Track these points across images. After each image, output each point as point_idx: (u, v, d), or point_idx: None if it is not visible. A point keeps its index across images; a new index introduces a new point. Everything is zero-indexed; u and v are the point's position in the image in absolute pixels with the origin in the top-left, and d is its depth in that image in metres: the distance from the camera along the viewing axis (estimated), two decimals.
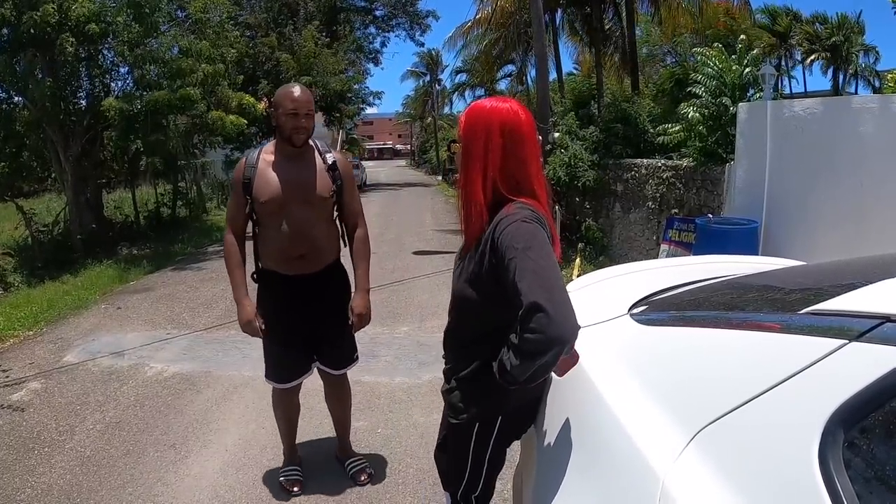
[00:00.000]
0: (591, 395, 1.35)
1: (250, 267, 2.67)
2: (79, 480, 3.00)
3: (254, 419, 3.58)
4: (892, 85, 7.35)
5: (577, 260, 7.09)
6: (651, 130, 7.56)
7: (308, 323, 2.68)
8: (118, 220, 12.37)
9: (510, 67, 23.48)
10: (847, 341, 0.86)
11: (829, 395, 0.83)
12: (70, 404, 3.95)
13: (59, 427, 3.62)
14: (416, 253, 9.07)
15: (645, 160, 6.97)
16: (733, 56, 5.63)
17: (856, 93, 25.96)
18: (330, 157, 2.61)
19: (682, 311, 1.54)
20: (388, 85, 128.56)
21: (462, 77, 30.82)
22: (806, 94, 23.10)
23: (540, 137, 6.13)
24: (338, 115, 23.94)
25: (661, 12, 14.23)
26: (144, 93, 9.57)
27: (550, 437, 1.53)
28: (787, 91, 23.23)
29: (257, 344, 2.79)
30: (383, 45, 28.96)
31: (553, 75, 15.28)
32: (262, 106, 12.05)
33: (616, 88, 12.17)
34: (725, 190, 5.20)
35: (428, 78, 43.91)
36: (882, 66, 27.85)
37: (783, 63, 26.98)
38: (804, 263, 2.02)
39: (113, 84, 10.46)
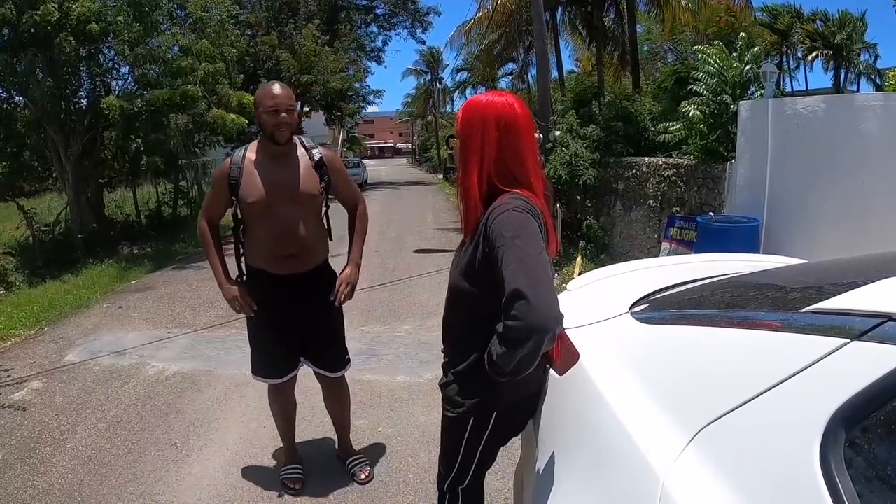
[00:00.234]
0: (592, 394, 1.34)
1: (233, 269, 2.68)
2: (80, 480, 3.01)
3: (255, 418, 3.58)
4: (893, 83, 7.34)
5: (578, 258, 7.08)
6: (652, 129, 7.55)
7: (297, 322, 2.68)
8: (119, 219, 12.40)
9: (511, 66, 23.50)
10: (848, 340, 0.86)
11: (831, 395, 0.82)
12: (71, 403, 3.95)
13: (60, 426, 3.63)
14: (417, 251, 9.07)
15: (646, 158, 6.96)
16: (734, 54, 5.62)
17: (857, 91, 25.94)
18: (316, 154, 2.60)
19: (683, 310, 1.54)
20: (390, 83, 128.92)
21: (463, 75, 30.87)
22: (807, 92, 23.08)
23: (541, 135, 6.11)
24: (338, 113, 23.94)
25: (662, 10, 14.21)
26: (145, 92, 9.58)
27: (550, 436, 1.53)
28: (788, 89, 23.21)
29: None
30: (385, 43, 28.97)
31: (554, 73, 15.28)
32: None
33: (617, 86, 12.17)
34: (727, 188, 5.19)
35: (429, 76, 43.93)
36: (882, 64, 27.83)
37: (784, 61, 26.95)
38: (805, 262, 2.02)
39: (114, 83, 10.48)
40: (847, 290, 1.02)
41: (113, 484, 2.95)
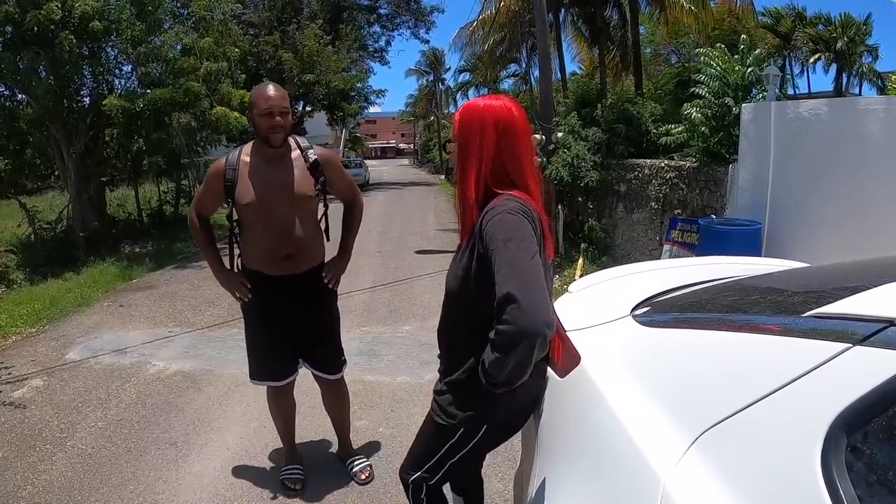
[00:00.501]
0: (593, 397, 1.34)
1: (233, 267, 2.69)
2: (80, 478, 3.01)
3: (255, 418, 3.58)
4: (895, 86, 7.33)
5: (580, 260, 7.08)
6: (654, 131, 7.55)
7: (294, 324, 2.67)
8: (121, 217, 12.41)
9: (514, 67, 23.49)
10: (850, 345, 0.86)
11: (832, 399, 0.82)
12: (72, 402, 3.96)
13: (60, 424, 3.63)
14: (418, 252, 9.07)
15: (648, 160, 6.96)
16: (736, 56, 5.62)
17: (859, 94, 25.90)
18: (312, 155, 2.58)
19: (685, 313, 1.53)
20: (392, 84, 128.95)
21: (465, 76, 30.86)
22: (810, 95, 23.04)
23: (543, 137, 6.10)
24: (340, 113, 23.93)
25: (665, 13, 14.22)
26: (147, 91, 9.59)
27: (551, 438, 1.53)
28: (790, 92, 23.17)
29: None
30: (388, 43, 28.98)
31: (557, 75, 15.28)
32: None
33: (619, 88, 12.17)
34: (728, 191, 5.19)
35: (431, 77, 43.94)
36: (884, 67, 27.79)
37: (787, 64, 26.92)
38: (807, 265, 2.01)
39: (116, 82, 10.48)
40: (849, 295, 1.02)
41: (113, 482, 2.95)
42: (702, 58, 5.84)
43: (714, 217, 4.90)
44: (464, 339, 1.58)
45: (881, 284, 1.02)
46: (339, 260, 2.79)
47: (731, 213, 5.07)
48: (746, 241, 4.40)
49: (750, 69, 5.43)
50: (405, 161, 63.99)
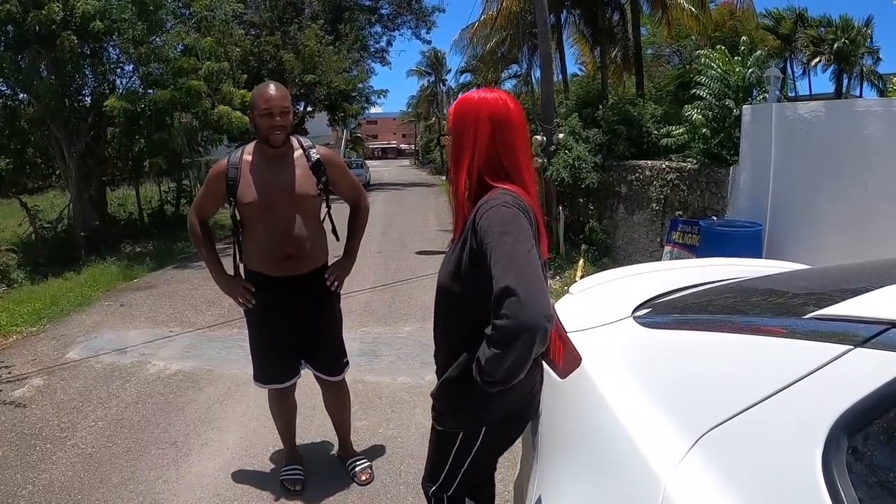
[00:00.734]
0: (594, 398, 1.34)
1: (232, 269, 2.67)
2: (80, 477, 3.01)
3: (255, 418, 3.58)
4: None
5: (581, 261, 7.08)
6: (655, 132, 7.55)
7: (296, 326, 2.66)
8: (122, 217, 12.43)
9: (515, 68, 23.48)
10: (852, 347, 0.86)
11: (834, 401, 0.82)
12: (72, 401, 3.96)
13: (60, 424, 3.63)
14: (419, 253, 9.07)
15: (649, 162, 6.96)
16: (736, 58, 5.62)
17: (860, 96, 25.91)
18: (314, 154, 2.56)
19: (686, 314, 1.53)
20: (393, 84, 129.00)
21: (467, 77, 30.84)
22: (811, 97, 23.05)
23: (545, 138, 6.09)
24: (342, 114, 23.94)
25: (667, 14, 14.22)
26: (149, 91, 9.60)
27: (552, 440, 1.53)
28: (791, 94, 23.17)
29: None
30: (389, 43, 29.01)
31: (558, 76, 15.28)
32: None
33: (621, 89, 12.17)
34: (729, 192, 5.19)
35: (433, 78, 43.99)
36: (885, 69, 27.81)
37: (788, 66, 26.94)
38: (808, 267, 2.01)
39: (118, 81, 10.49)
40: (850, 297, 1.02)
41: (113, 482, 2.95)
42: (702, 59, 5.84)
43: (715, 219, 4.90)
44: (457, 337, 1.55)
45: (883, 286, 1.02)
46: (344, 262, 2.76)
47: (732, 215, 5.07)
48: (747, 243, 4.39)
49: (750, 70, 5.43)
50: (406, 162, 63.99)
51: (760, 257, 4.14)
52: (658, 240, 6.50)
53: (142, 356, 4.77)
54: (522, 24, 16.36)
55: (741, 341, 1.13)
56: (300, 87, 20.25)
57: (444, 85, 43.01)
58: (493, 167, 1.50)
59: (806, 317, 1.05)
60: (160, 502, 2.78)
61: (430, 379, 4.03)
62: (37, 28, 8.31)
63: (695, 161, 5.82)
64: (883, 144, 4.16)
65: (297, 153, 2.56)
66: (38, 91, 8.94)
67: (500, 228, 1.33)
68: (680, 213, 6.03)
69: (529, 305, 1.20)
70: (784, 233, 4.59)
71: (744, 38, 6.23)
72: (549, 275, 7.12)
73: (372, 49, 27.97)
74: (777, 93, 5.03)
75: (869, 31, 26.99)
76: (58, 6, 8.16)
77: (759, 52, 5.72)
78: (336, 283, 2.71)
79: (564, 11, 15.28)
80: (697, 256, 4.62)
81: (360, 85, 24.71)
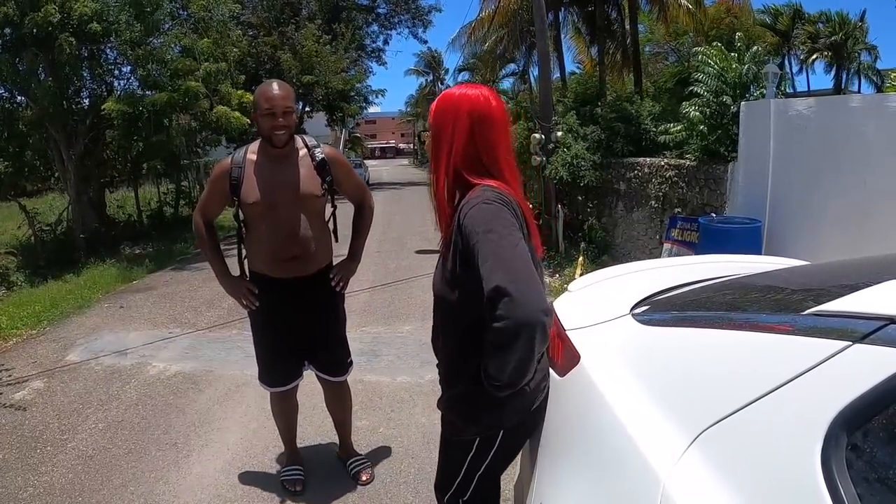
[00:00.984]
0: (593, 396, 1.34)
1: (237, 270, 2.66)
2: (81, 479, 3.01)
3: (255, 418, 3.58)
4: (895, 83, 7.33)
5: (580, 259, 7.08)
6: (653, 129, 7.55)
7: (300, 327, 2.64)
8: (121, 219, 12.41)
9: (513, 66, 23.47)
10: (850, 343, 0.86)
11: (833, 398, 0.82)
12: (72, 403, 3.96)
13: (61, 426, 3.63)
14: (418, 252, 9.06)
15: (648, 159, 6.95)
16: (733, 54, 5.61)
17: (858, 91, 25.91)
18: (318, 154, 2.53)
19: (685, 312, 1.53)
20: (392, 83, 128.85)
21: (465, 76, 30.85)
22: (809, 93, 23.06)
23: (543, 136, 6.07)
24: (340, 114, 23.92)
25: (663, 11, 14.23)
26: (147, 93, 9.59)
27: (551, 438, 1.53)
28: (789, 90, 23.19)
29: None
30: (386, 42, 29.00)
31: (556, 74, 15.28)
32: None
33: (619, 87, 12.17)
34: (728, 189, 5.19)
35: (430, 77, 44.03)
36: (883, 65, 27.81)
37: (786, 62, 26.94)
38: (807, 263, 2.01)
39: (116, 83, 10.49)
40: (849, 293, 1.01)
41: (114, 484, 2.95)
42: (699, 56, 5.84)
43: (714, 215, 4.90)
44: (458, 344, 1.52)
45: (881, 282, 1.02)
46: (349, 262, 2.74)
47: (730, 212, 5.07)
48: (746, 239, 4.39)
49: (747, 67, 5.43)
50: (405, 161, 63.95)
51: (759, 254, 4.14)
52: (657, 237, 6.49)
53: (142, 358, 4.76)
54: (520, 21, 16.36)
55: (740, 338, 1.12)
56: (298, 87, 20.22)
57: (442, 84, 43.03)
58: (472, 164, 1.47)
59: (804, 313, 1.04)
60: (161, 503, 2.79)
61: (430, 378, 4.04)
62: (34, 30, 8.29)
63: (693, 158, 5.82)
64: (883, 140, 4.16)
65: (302, 152, 2.53)
66: (36, 93, 8.93)
67: (484, 226, 1.30)
68: (679, 210, 6.03)
69: (523, 302, 1.16)
70: (783, 229, 4.59)
71: (739, 34, 6.22)
72: (549, 273, 7.13)
73: (369, 49, 27.96)
74: (774, 89, 5.02)
75: (864, 26, 27.01)
76: (55, 8, 8.15)
77: (755, 48, 5.71)
78: (341, 284, 2.70)
79: (562, 9, 15.27)
80: (697, 253, 4.62)
81: (358, 85, 24.69)
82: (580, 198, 8.65)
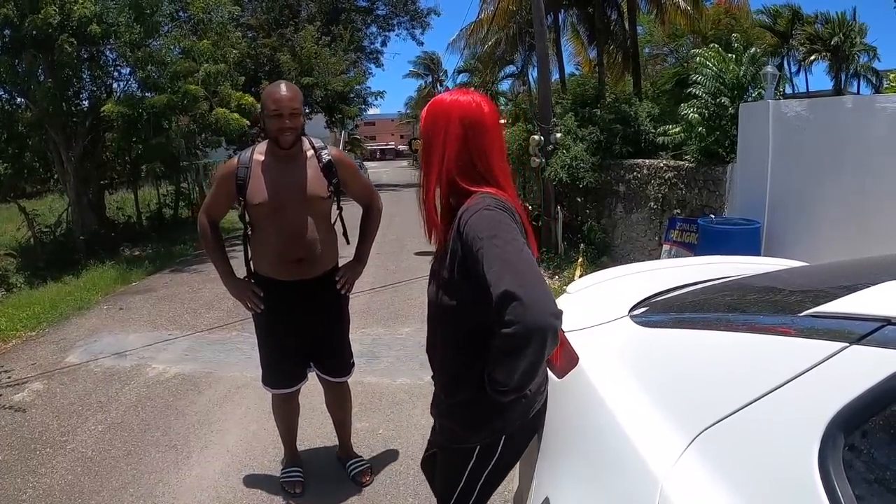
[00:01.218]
0: (591, 398, 1.34)
1: (242, 271, 2.65)
2: (80, 481, 3.01)
3: (255, 420, 3.58)
4: (894, 84, 7.34)
5: (579, 260, 7.08)
6: (652, 131, 7.56)
7: (305, 331, 2.63)
8: (120, 220, 12.40)
9: (513, 68, 23.50)
10: (848, 344, 0.86)
11: (830, 399, 0.82)
12: (72, 405, 3.95)
13: (60, 428, 3.63)
14: (417, 254, 9.06)
15: (647, 160, 6.96)
16: (731, 55, 5.62)
17: (858, 92, 25.93)
18: (325, 156, 2.52)
19: (683, 313, 1.53)
20: (391, 85, 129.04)
21: (464, 77, 30.87)
22: (808, 94, 23.08)
23: (542, 138, 6.07)
24: (339, 115, 23.93)
25: (662, 13, 14.25)
26: (147, 95, 9.59)
27: (550, 439, 1.53)
28: (789, 91, 23.20)
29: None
30: (384, 44, 29.05)
31: (556, 75, 15.29)
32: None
33: (618, 88, 12.18)
34: (727, 190, 5.19)
35: (430, 79, 44.11)
36: (882, 66, 27.86)
37: (785, 63, 26.98)
38: (806, 264, 2.02)
39: (115, 85, 10.49)
40: (846, 294, 1.02)
41: (113, 485, 2.95)
42: (698, 59, 5.85)
43: (713, 216, 4.91)
44: (456, 353, 1.49)
45: (879, 283, 1.02)
46: (355, 264, 2.74)
47: (729, 213, 5.07)
48: (745, 241, 4.40)
49: (744, 68, 5.43)
50: (404, 163, 63.82)
51: (758, 255, 4.14)
52: (657, 238, 6.50)
53: (141, 359, 4.76)
54: (520, 23, 16.38)
55: (738, 339, 1.13)
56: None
57: (441, 85, 43.08)
58: (466, 171, 1.44)
59: (802, 314, 1.05)
60: None
61: (429, 380, 4.01)
62: (34, 32, 8.29)
63: (692, 159, 5.83)
64: (882, 141, 4.17)
65: (309, 154, 2.52)
66: (35, 95, 8.93)
67: (488, 233, 1.27)
68: (678, 211, 6.03)
69: (534, 306, 1.13)
70: (782, 230, 4.60)
71: (735, 35, 6.22)
72: (548, 274, 7.13)
73: (367, 50, 27.99)
74: (773, 90, 5.03)
75: (864, 27, 27.05)
76: (55, 10, 8.15)
77: (752, 48, 5.71)
78: (346, 286, 2.70)
79: (562, 11, 15.28)
80: (696, 254, 4.62)
81: (358, 87, 24.71)
82: (579, 199, 8.65)
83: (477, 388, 1.38)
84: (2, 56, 8.81)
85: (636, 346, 1.42)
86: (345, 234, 2.74)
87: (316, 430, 3.38)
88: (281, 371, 2.71)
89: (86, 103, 10.16)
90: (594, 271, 2.56)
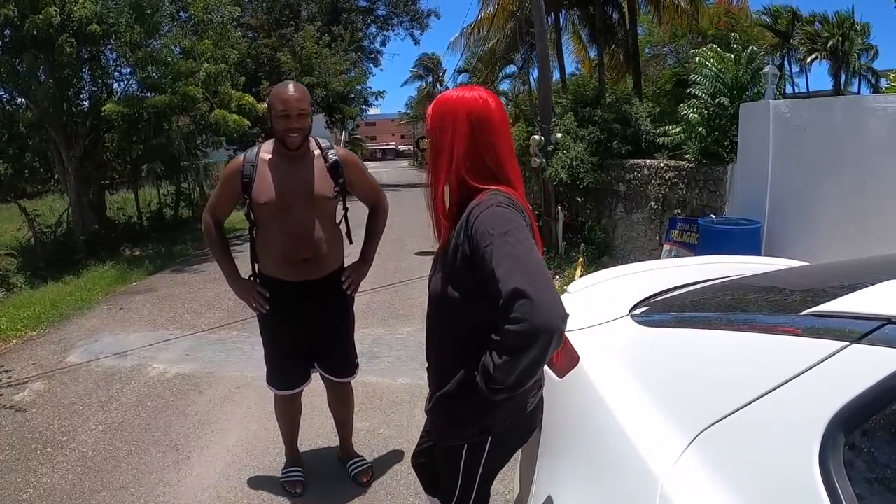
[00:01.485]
0: (592, 397, 1.34)
1: (246, 270, 2.64)
2: (81, 481, 3.01)
3: (256, 420, 3.58)
4: (894, 84, 7.32)
5: (580, 260, 7.08)
6: (653, 131, 7.55)
7: (310, 330, 2.63)
8: (121, 220, 12.40)
9: (513, 68, 23.51)
10: (848, 343, 0.86)
11: (830, 398, 0.82)
12: (72, 405, 3.96)
13: (61, 427, 3.63)
14: (418, 254, 9.06)
15: (647, 160, 6.96)
16: (730, 55, 5.62)
17: (857, 92, 25.94)
18: (332, 156, 2.52)
19: (684, 313, 1.53)
20: (391, 85, 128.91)
21: (464, 77, 30.87)
22: (808, 94, 23.08)
23: (543, 138, 6.06)
24: (340, 115, 23.92)
25: (660, 13, 14.24)
26: (147, 95, 9.59)
27: (550, 439, 1.53)
28: (789, 90, 23.21)
29: (259, 345, 2.78)
30: (383, 44, 29.09)
31: (556, 75, 15.28)
32: (262, 107, 12.06)
33: (618, 88, 12.17)
34: (728, 190, 5.19)
35: (430, 79, 44.16)
36: (882, 65, 27.88)
37: (785, 63, 26.98)
38: (806, 264, 2.02)
39: (116, 85, 10.50)
40: (847, 293, 1.02)
41: (114, 485, 2.95)
42: (697, 59, 5.85)
43: (713, 216, 4.91)
44: (453, 348, 1.49)
45: (879, 282, 1.02)
46: (361, 265, 2.73)
47: (730, 213, 5.07)
48: (746, 241, 4.40)
49: (743, 68, 5.43)
50: (405, 163, 63.83)
51: (759, 255, 4.14)
52: (657, 238, 6.50)
53: (142, 359, 4.76)
54: (520, 22, 16.37)
55: (738, 339, 1.13)
56: None
57: (441, 85, 43.11)
58: (475, 168, 1.43)
59: (803, 314, 1.05)
60: None
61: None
62: (34, 32, 8.29)
63: (692, 159, 5.83)
64: (882, 141, 4.17)
65: (316, 153, 2.52)
66: (36, 95, 8.93)
67: (499, 230, 1.26)
68: (678, 211, 6.03)
69: (544, 306, 1.12)
70: (782, 230, 4.60)
71: (734, 35, 6.22)
72: (549, 274, 7.12)
73: (367, 50, 28.00)
74: (773, 90, 5.03)
75: (864, 27, 27.06)
76: (55, 10, 8.15)
77: (751, 48, 5.70)
78: (352, 287, 2.69)
79: (563, 11, 15.28)
80: (696, 254, 4.62)
81: (358, 87, 24.70)
82: (580, 199, 8.65)
83: (467, 385, 1.38)
84: (2, 56, 8.81)
85: (637, 345, 1.42)
86: (348, 234, 2.73)
87: (317, 429, 3.38)
88: (285, 372, 2.71)
89: (86, 103, 10.17)
90: (594, 271, 2.56)
